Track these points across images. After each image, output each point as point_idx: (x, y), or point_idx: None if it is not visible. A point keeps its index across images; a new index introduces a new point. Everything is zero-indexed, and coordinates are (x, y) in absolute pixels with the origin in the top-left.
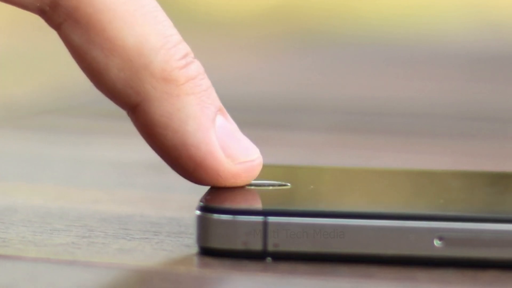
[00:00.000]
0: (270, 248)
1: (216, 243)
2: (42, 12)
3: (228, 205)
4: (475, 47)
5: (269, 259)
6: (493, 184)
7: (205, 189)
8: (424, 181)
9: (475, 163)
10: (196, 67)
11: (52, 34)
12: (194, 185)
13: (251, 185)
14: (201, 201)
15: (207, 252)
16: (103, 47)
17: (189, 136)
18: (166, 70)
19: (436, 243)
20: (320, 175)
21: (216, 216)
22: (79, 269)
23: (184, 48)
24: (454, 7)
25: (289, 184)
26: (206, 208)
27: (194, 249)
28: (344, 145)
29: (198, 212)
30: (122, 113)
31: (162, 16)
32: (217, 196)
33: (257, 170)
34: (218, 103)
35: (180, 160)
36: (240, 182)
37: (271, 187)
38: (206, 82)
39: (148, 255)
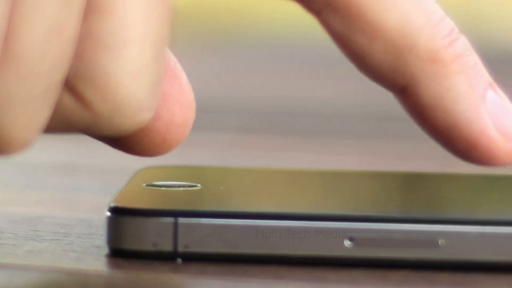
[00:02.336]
0: (181, 249)
1: (126, 244)
2: (300, 0)
3: (138, 206)
4: None
5: (179, 260)
6: (403, 185)
7: (116, 190)
8: (334, 182)
9: (384, 163)
10: (462, 43)
11: None
12: (105, 186)
13: (161, 186)
14: (111, 202)
15: (118, 253)
16: (365, 32)
17: (460, 116)
18: (432, 50)
19: (347, 243)
20: (230, 175)
21: (126, 217)
22: None
23: (448, 24)
24: None
25: (199, 185)
26: (116, 209)
27: (105, 250)
28: (253, 145)
29: (108, 213)
30: None
31: None
32: (127, 197)
33: None
34: (487, 78)
35: (453, 141)
36: None
37: (181, 188)
38: (473, 58)
39: (58, 256)
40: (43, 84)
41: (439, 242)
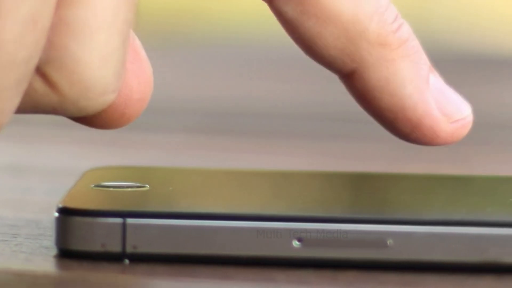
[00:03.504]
0: (129, 249)
1: (75, 245)
2: None
3: (87, 206)
4: None
5: (126, 260)
6: (352, 185)
7: (64, 191)
8: (282, 182)
9: (333, 163)
10: (407, 29)
11: None
12: (54, 187)
13: (109, 186)
14: (59, 202)
15: (66, 254)
16: (318, 17)
17: (406, 99)
18: (381, 35)
19: (295, 244)
20: (178, 176)
21: (74, 217)
22: None
23: (393, 10)
24: None
25: (147, 186)
26: (65, 210)
27: (53, 251)
28: (201, 146)
29: (56, 214)
30: None
31: None
32: (76, 197)
33: (469, 127)
34: (428, 62)
35: (397, 122)
36: (455, 140)
37: (129, 189)
38: (416, 43)
39: (6, 257)
40: (18, 73)
41: (388, 242)
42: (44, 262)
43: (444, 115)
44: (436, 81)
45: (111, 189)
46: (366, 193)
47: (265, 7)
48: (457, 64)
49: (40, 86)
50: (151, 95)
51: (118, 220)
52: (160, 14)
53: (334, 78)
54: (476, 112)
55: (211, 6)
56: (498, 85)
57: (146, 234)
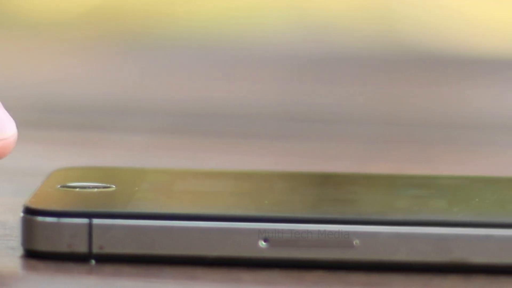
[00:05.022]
0: (95, 250)
1: (41, 246)
2: None
3: (53, 207)
4: (297, 48)
5: (92, 261)
6: (318, 185)
7: (30, 191)
8: (249, 182)
9: (299, 163)
10: None
11: None
12: (20, 187)
13: (75, 187)
14: (26, 203)
15: (33, 254)
16: None
17: None
18: None
19: (261, 244)
20: (144, 176)
21: (40, 218)
22: None
23: None
24: (277, 10)
25: (113, 186)
26: (31, 210)
27: (19, 251)
28: (168, 147)
29: (22, 214)
30: None
31: None
32: (42, 198)
33: (11, 147)
34: None
35: None
36: None
37: (95, 189)
38: None
39: None
40: None
41: (354, 243)
42: (10, 263)
43: None
44: None
45: (77, 189)
46: (332, 193)
47: (232, 6)
48: (421, 64)
49: None
50: (120, 95)
51: (84, 220)
52: (127, 14)
53: (301, 78)
54: (440, 112)
55: (178, 7)
56: (462, 85)
57: (112, 234)
